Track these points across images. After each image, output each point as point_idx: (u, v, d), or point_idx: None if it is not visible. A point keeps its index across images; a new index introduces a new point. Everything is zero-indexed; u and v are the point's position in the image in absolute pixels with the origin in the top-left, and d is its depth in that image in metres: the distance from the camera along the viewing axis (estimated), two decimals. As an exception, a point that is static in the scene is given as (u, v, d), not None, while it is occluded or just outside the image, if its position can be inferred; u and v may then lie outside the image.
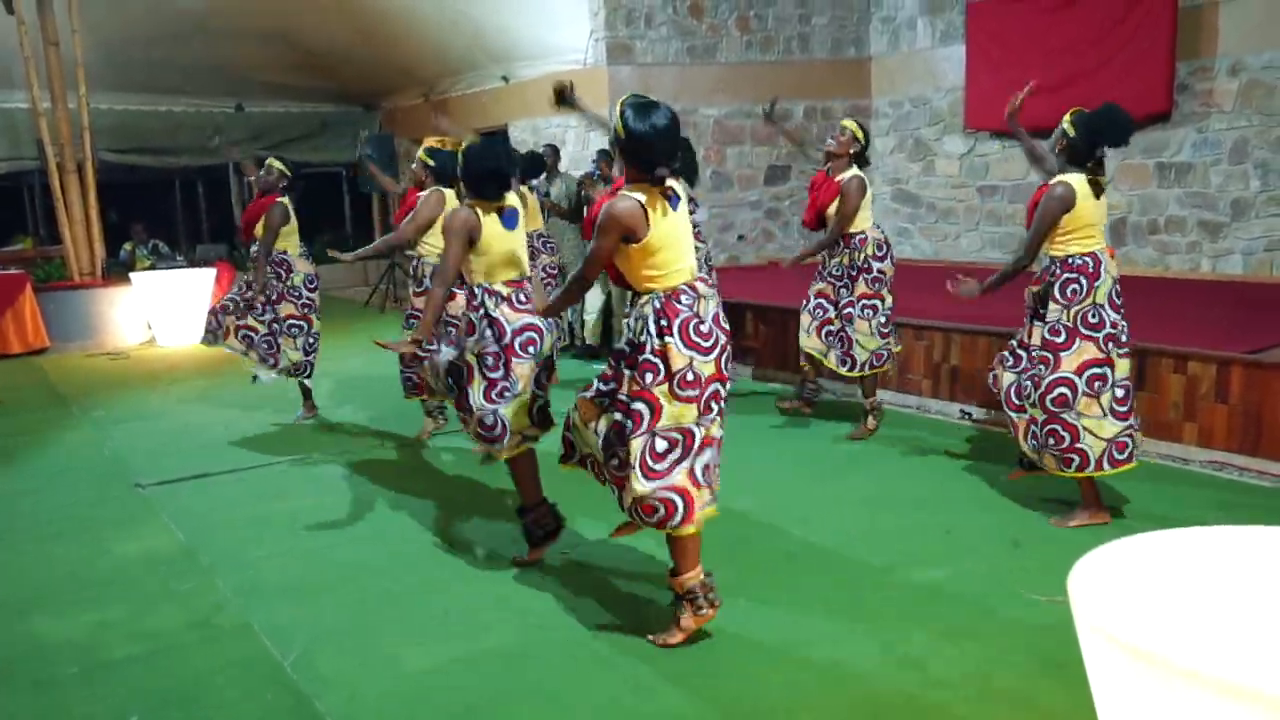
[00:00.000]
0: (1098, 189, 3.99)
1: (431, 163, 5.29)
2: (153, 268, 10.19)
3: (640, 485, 3.01)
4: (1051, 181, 4.03)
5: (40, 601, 3.74)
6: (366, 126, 14.19)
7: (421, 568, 3.94)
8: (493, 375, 3.67)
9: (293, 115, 14.26)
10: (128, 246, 11.21)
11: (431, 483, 5.05)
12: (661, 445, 3.01)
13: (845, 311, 5.41)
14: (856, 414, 5.73)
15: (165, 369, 8.61)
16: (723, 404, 3.12)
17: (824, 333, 5.52)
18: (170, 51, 11.79)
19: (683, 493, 3.04)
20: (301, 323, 6.26)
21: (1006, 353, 4.25)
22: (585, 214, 7.96)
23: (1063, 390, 3.92)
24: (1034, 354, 4.05)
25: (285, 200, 6.22)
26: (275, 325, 6.22)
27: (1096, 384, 3.90)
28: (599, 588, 3.65)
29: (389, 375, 7.80)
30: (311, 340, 6.30)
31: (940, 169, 10.05)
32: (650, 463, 3.01)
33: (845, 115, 10.53)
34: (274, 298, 6.26)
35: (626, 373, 3.07)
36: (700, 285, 3.11)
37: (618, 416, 3.08)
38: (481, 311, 3.70)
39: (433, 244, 5.37)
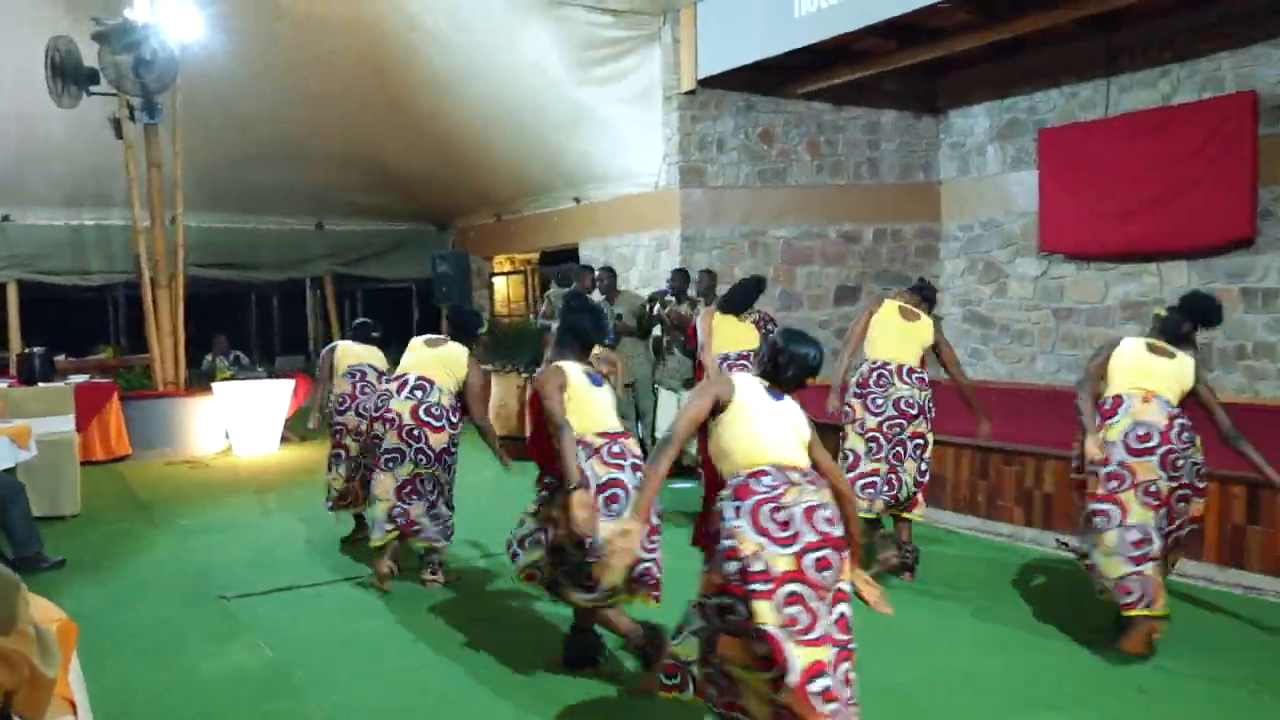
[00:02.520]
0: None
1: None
2: (233, 378, 10.42)
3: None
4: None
5: (133, 720, 3.69)
6: (439, 245, 14.61)
7: (509, 694, 3.83)
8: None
9: (369, 233, 14.77)
10: (209, 357, 11.52)
11: (521, 605, 4.96)
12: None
13: (896, 451, 5.03)
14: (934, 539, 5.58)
15: (243, 478, 8.71)
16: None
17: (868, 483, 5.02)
18: (257, 173, 12.37)
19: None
20: (338, 450, 6.19)
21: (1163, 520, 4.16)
22: (661, 330, 8.02)
23: None
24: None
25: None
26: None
27: None
28: None
29: (472, 485, 7.82)
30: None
31: (1013, 291, 10.02)
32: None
33: (914, 238, 10.64)
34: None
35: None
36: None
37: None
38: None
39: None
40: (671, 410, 8.16)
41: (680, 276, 8.12)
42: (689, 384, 8.01)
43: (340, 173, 12.79)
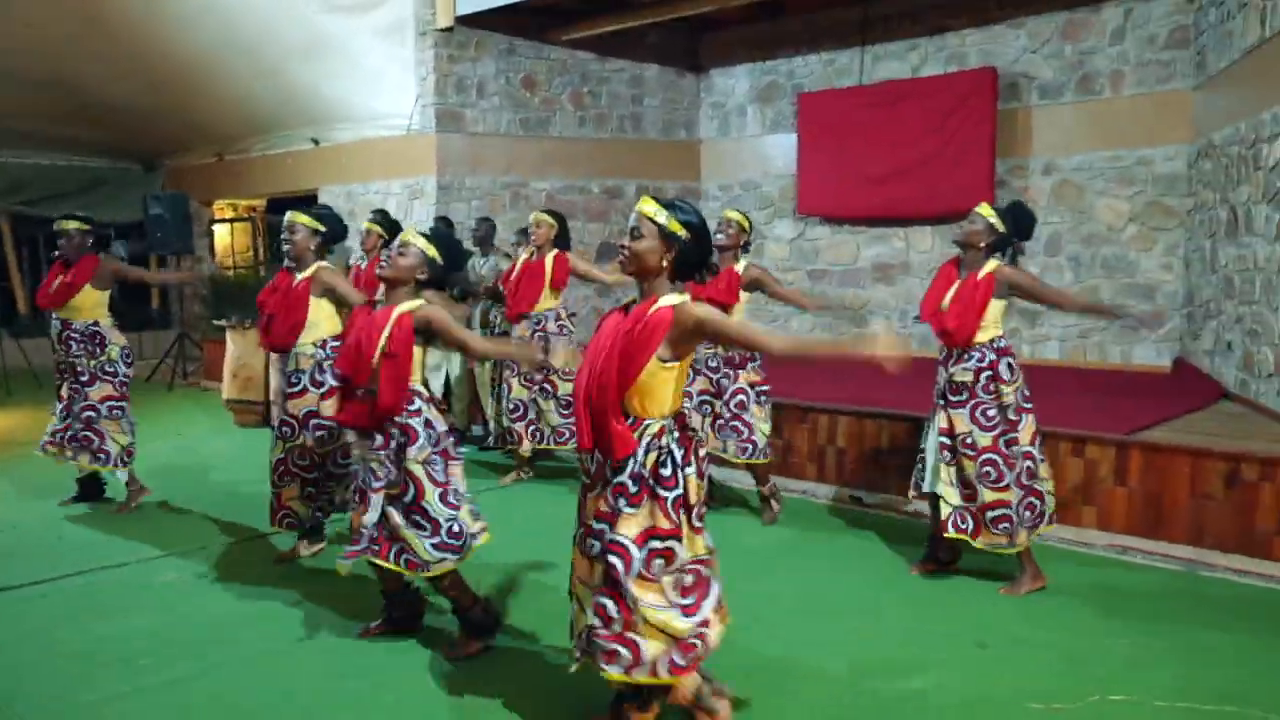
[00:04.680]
0: None
1: (323, 228, 4.50)
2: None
3: (681, 623, 2.69)
4: (1002, 264, 4.08)
5: None
6: (147, 185, 12.89)
7: (299, 700, 3.24)
8: (442, 480, 3.44)
9: (59, 169, 12.75)
10: None
11: (282, 587, 4.28)
12: (689, 579, 2.73)
13: (738, 399, 5.22)
14: (733, 500, 5.48)
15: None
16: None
17: (715, 426, 5.26)
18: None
19: (706, 626, 2.76)
20: (122, 403, 5.52)
21: (936, 449, 4.24)
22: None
23: (1029, 464, 4.13)
24: (978, 438, 4.09)
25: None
26: (92, 412, 5.40)
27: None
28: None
29: (201, 463, 6.87)
30: (132, 422, 5.62)
31: (770, 252, 10.21)
32: (683, 599, 2.72)
33: (677, 196, 10.56)
34: (85, 379, 5.42)
35: (633, 508, 2.69)
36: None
37: (614, 560, 2.67)
38: (422, 416, 3.43)
39: (313, 329, 4.48)
40: (438, 371, 7.54)
41: (447, 226, 7.54)
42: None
43: (18, 95, 10.80)
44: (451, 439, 3.52)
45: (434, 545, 3.41)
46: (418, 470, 3.38)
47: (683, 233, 2.71)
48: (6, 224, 12.66)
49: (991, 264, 4.16)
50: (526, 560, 4.52)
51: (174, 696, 3.30)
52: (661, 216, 2.71)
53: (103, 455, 5.45)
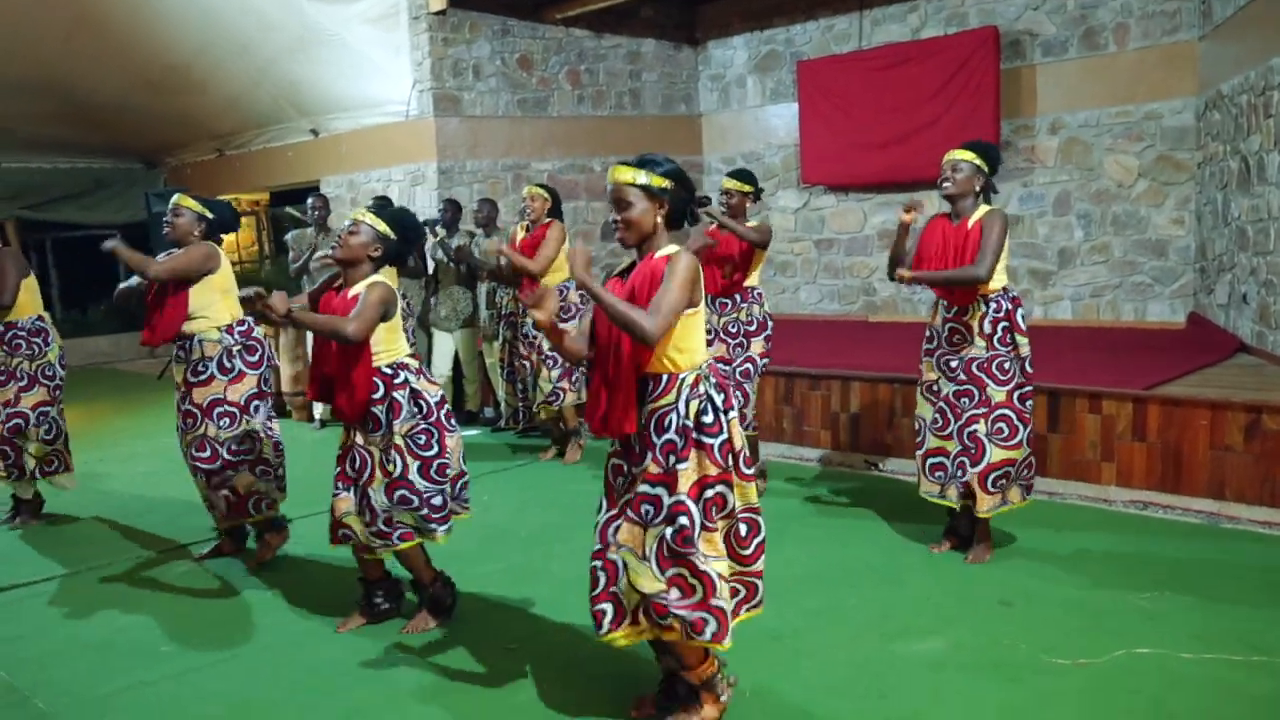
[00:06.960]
0: None
1: (210, 214, 4.36)
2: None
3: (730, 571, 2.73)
4: (991, 209, 4.03)
5: None
6: (149, 184, 12.87)
7: (324, 684, 3.23)
8: (427, 454, 3.48)
9: (59, 172, 12.74)
10: None
11: (299, 574, 4.27)
12: (744, 529, 2.75)
13: (744, 368, 5.10)
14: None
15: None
16: None
17: None
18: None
19: (758, 576, 2.83)
20: (50, 408, 5.20)
21: (938, 415, 4.09)
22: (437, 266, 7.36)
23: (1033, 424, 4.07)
24: (993, 393, 3.94)
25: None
26: (18, 420, 5.08)
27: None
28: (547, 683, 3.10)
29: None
30: (59, 429, 5.28)
31: (776, 223, 10.12)
32: (737, 548, 2.75)
33: (679, 171, 10.50)
34: (23, 383, 5.09)
35: (684, 463, 2.65)
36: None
37: (683, 520, 2.62)
38: (408, 389, 3.47)
39: (209, 316, 4.30)
40: (447, 353, 7.54)
41: (453, 208, 7.53)
42: (467, 323, 7.42)
43: (14, 100, 10.79)
44: (445, 410, 3.53)
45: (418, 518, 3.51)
46: (400, 443, 3.43)
47: (667, 184, 2.70)
48: (12, 229, 12.65)
49: (983, 209, 4.06)
50: (543, 540, 4.49)
51: (197, 683, 3.30)
52: (642, 177, 2.69)
53: (16, 471, 5.12)
